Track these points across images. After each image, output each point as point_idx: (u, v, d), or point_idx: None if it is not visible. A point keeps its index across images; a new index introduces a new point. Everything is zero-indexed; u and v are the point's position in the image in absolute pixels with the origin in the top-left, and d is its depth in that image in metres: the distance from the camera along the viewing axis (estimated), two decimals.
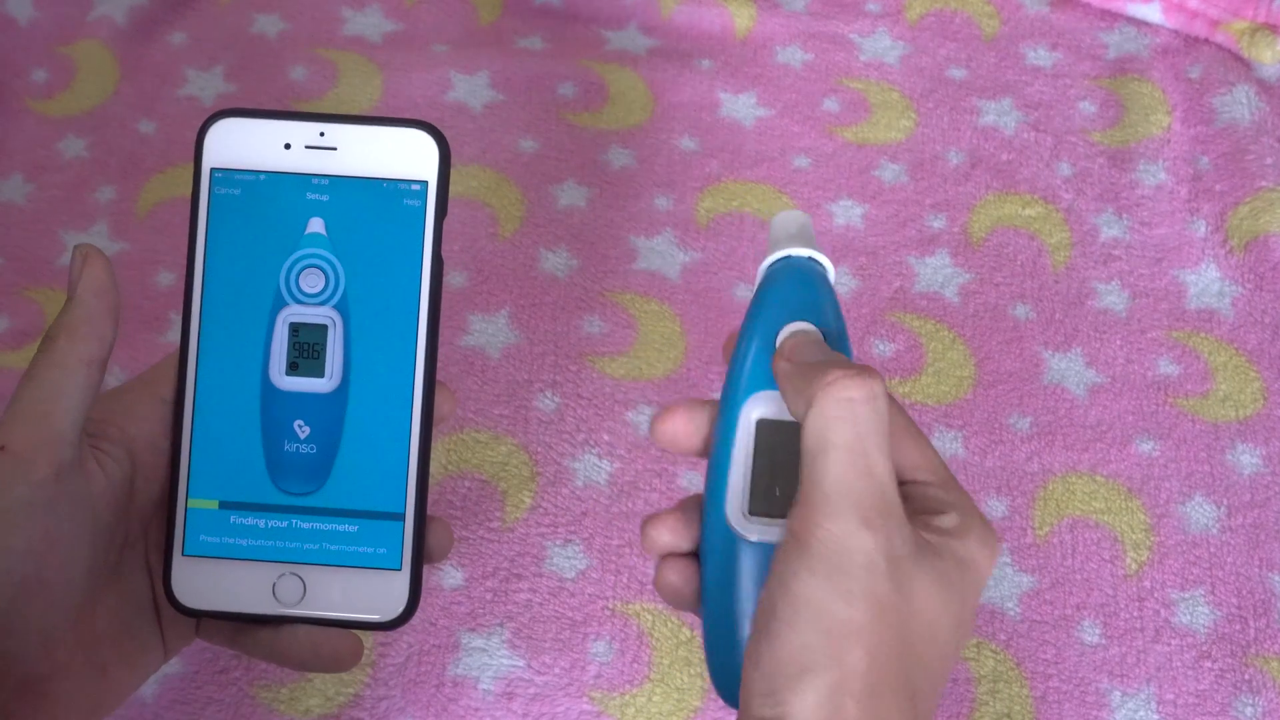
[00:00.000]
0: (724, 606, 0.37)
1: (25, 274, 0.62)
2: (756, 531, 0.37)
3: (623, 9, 0.73)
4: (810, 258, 0.39)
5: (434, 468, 0.56)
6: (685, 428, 0.39)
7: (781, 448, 0.37)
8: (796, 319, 0.37)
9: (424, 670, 0.51)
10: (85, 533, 0.37)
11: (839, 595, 0.32)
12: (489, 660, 0.51)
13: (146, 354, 0.58)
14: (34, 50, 0.70)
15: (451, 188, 0.64)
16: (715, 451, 0.38)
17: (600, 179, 0.66)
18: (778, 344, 0.37)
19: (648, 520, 0.38)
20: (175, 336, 0.59)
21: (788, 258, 0.39)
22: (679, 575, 0.38)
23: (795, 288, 0.38)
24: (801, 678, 0.32)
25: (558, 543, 0.54)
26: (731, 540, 0.37)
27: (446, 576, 0.53)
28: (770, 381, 0.37)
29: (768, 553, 0.36)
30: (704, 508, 0.38)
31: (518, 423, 0.57)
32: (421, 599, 0.40)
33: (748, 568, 0.37)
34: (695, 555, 0.39)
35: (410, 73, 0.69)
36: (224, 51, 0.70)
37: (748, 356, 0.38)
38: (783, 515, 0.36)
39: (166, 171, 0.65)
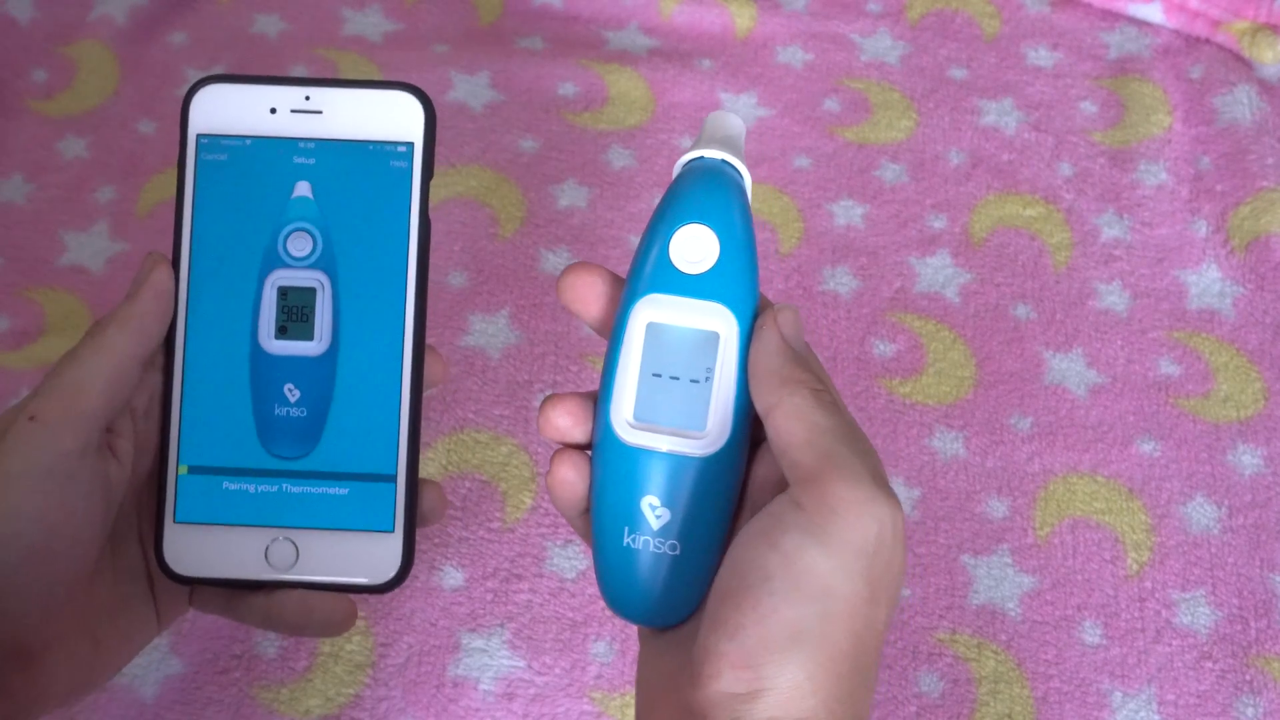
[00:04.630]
0: (609, 511, 0.36)
1: (25, 274, 0.62)
2: (639, 438, 0.36)
3: (623, 9, 0.73)
4: (724, 160, 0.38)
5: (434, 468, 0.56)
6: (584, 292, 0.38)
7: (670, 354, 0.36)
8: (696, 221, 0.36)
9: (424, 671, 0.51)
10: (99, 511, 0.37)
11: (845, 572, 0.32)
12: (489, 661, 0.51)
13: None
14: (34, 50, 0.70)
15: (451, 188, 0.65)
16: (608, 350, 0.37)
17: (600, 179, 0.66)
18: (758, 326, 0.36)
19: (548, 399, 0.37)
20: None
21: (700, 159, 0.38)
22: (573, 470, 0.37)
23: (700, 190, 0.37)
24: (788, 652, 0.32)
25: (558, 543, 0.54)
26: (617, 444, 0.36)
27: (447, 577, 0.53)
28: (664, 285, 0.36)
29: (650, 460, 0.36)
30: (596, 408, 0.37)
31: (518, 423, 0.57)
32: (414, 562, 0.40)
33: (630, 474, 0.36)
34: (589, 451, 0.38)
35: (410, 73, 0.69)
36: (224, 51, 0.70)
37: (646, 257, 0.36)
38: (666, 425, 0.36)
39: (166, 172, 0.65)
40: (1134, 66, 0.71)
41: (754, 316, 0.36)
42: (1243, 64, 0.71)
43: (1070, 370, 0.60)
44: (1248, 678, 0.52)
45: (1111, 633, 0.53)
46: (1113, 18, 0.73)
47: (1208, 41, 0.72)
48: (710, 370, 0.36)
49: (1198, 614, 0.54)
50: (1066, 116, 0.69)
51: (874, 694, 0.34)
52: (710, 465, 0.36)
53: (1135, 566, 0.55)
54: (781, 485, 0.34)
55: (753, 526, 0.34)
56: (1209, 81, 0.70)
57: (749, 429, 0.37)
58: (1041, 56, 0.72)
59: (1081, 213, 0.66)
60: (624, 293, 0.37)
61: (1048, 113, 0.69)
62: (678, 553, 0.36)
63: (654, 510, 0.36)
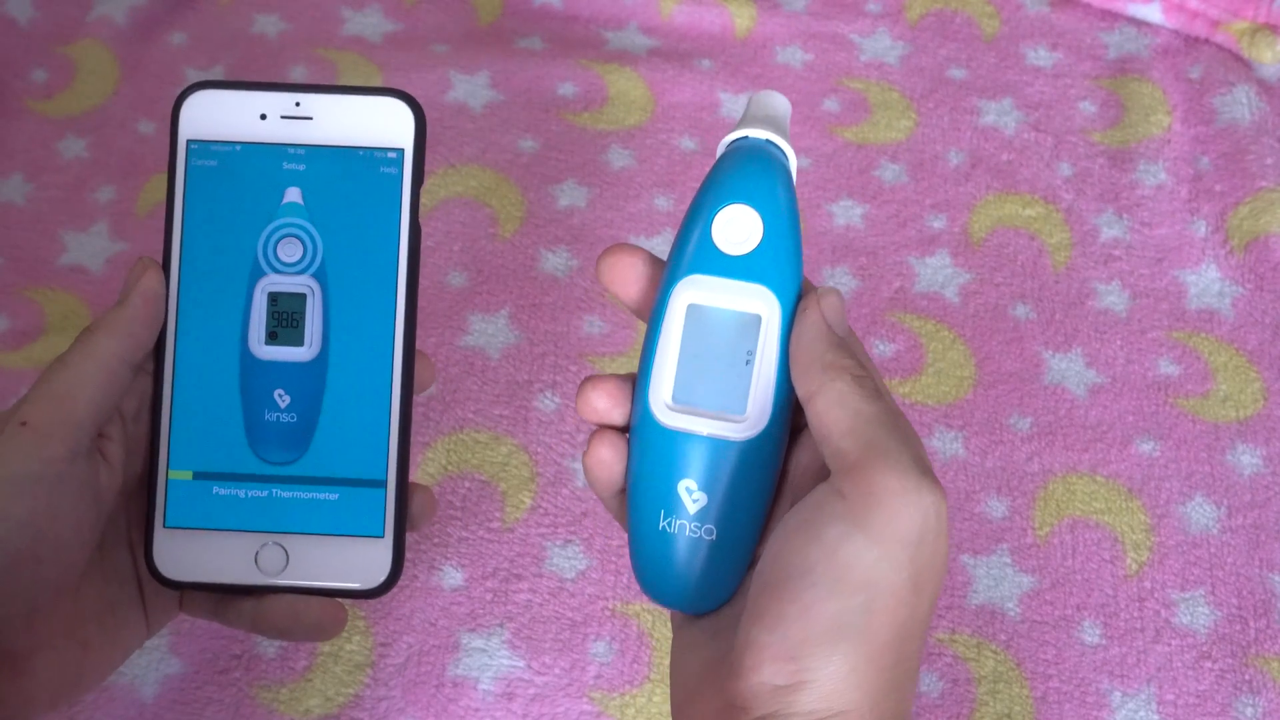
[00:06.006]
0: (645, 493, 0.36)
1: (25, 274, 0.62)
2: (677, 421, 0.35)
3: (623, 9, 0.73)
4: (769, 140, 0.37)
5: (434, 468, 0.56)
6: (624, 273, 0.37)
7: (710, 336, 0.36)
8: (739, 202, 0.35)
9: (424, 671, 0.51)
10: (89, 516, 0.37)
11: (889, 563, 0.31)
12: (489, 661, 0.51)
13: None
14: (34, 50, 0.70)
15: (451, 188, 0.65)
16: (648, 332, 0.36)
17: (600, 179, 0.66)
18: (801, 311, 0.36)
19: (587, 380, 0.37)
20: None
21: (744, 138, 0.37)
22: (611, 450, 0.37)
23: (743, 170, 0.36)
24: (831, 644, 0.31)
25: (558, 543, 0.54)
26: (655, 427, 0.36)
27: (446, 577, 0.53)
28: (706, 266, 0.35)
29: (688, 443, 0.35)
30: (634, 389, 0.37)
31: (518, 423, 0.57)
32: (404, 567, 0.40)
33: (667, 457, 0.36)
34: (627, 433, 0.37)
35: (410, 73, 0.69)
36: (224, 51, 0.70)
37: (688, 238, 0.36)
38: (705, 408, 0.35)
39: (166, 172, 0.65)
40: (1133, 66, 0.71)
41: (797, 299, 0.36)
42: (1242, 64, 0.71)
43: (1070, 370, 0.60)
44: (1247, 677, 0.52)
45: (1111, 632, 0.53)
46: (1112, 18, 0.73)
47: (1207, 41, 0.72)
48: (751, 353, 0.35)
49: (1197, 614, 0.54)
50: (1066, 116, 0.69)
51: (917, 685, 0.34)
52: (749, 450, 0.35)
53: (1134, 566, 0.55)
54: (822, 472, 0.34)
55: (794, 516, 0.33)
56: (1208, 81, 0.70)
57: (790, 414, 0.36)
58: (1041, 56, 0.72)
59: (1081, 213, 0.66)
60: (664, 274, 0.36)
61: (1047, 113, 0.69)
62: (714, 538, 0.36)
63: (691, 494, 0.36)
